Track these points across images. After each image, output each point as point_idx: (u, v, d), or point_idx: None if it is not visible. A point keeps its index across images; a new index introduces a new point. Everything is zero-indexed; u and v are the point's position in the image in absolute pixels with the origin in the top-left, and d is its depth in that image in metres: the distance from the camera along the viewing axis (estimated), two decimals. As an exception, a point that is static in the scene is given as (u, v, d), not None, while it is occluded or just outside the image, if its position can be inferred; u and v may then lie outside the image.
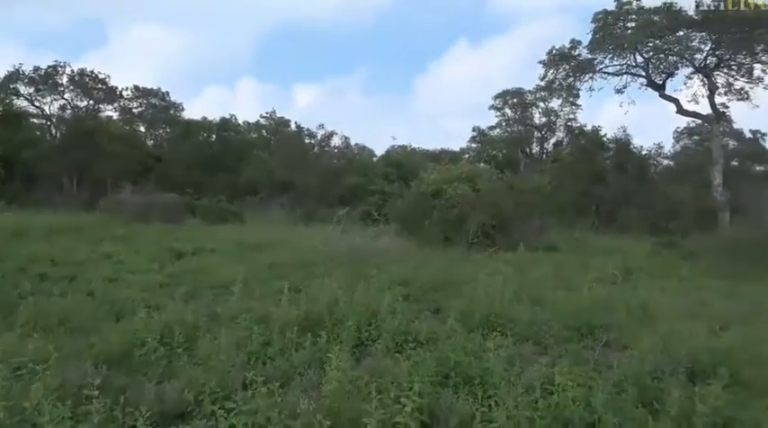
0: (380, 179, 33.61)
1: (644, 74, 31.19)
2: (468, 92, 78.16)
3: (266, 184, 39.18)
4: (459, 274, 11.63)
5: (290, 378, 5.69)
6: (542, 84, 35.05)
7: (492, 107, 42.09)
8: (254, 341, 6.40)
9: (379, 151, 49.75)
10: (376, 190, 31.55)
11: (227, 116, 47.09)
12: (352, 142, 48.70)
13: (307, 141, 45.48)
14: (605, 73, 32.04)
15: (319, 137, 45.45)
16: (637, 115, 58.93)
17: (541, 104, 39.89)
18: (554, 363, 5.96)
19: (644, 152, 34.68)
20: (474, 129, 44.39)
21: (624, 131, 33.71)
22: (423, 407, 4.74)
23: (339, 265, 11.78)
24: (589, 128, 37.50)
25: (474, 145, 44.59)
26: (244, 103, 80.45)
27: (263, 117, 48.98)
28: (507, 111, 42.01)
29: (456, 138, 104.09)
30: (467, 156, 41.76)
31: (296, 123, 47.28)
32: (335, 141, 45.91)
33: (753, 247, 16.49)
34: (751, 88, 29.64)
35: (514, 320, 7.98)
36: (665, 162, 37.69)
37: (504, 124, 42.53)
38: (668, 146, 38.50)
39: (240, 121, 48.34)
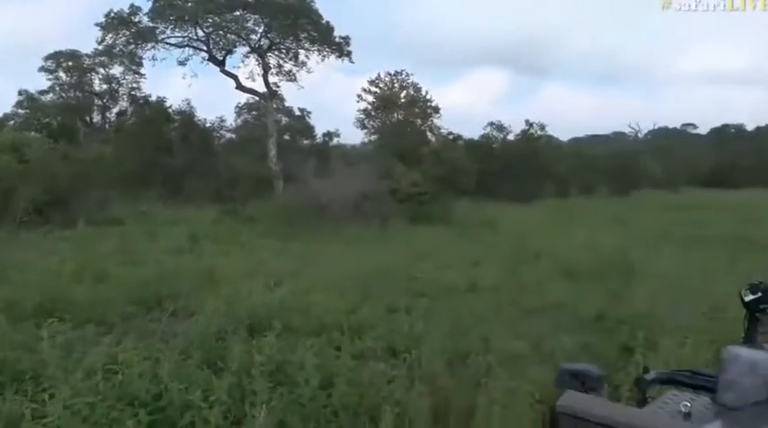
0: None
1: (205, 48, 32.06)
2: (13, 49, 67.27)
3: None
4: (4, 259, 10.11)
5: None
6: (101, 48, 32.77)
7: (43, 69, 37.37)
8: None
9: None
10: None
11: None
12: None
13: None
14: (168, 43, 31.80)
15: None
16: (201, 88, 60.37)
17: (102, 70, 37.29)
18: (119, 341, 5.73)
19: (208, 125, 35.93)
20: (21, 93, 38.67)
21: (189, 104, 34.21)
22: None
23: None
24: (154, 98, 36.78)
25: (21, 110, 38.93)
26: None
27: None
28: (62, 74, 37.89)
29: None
30: (12, 122, 36.21)
31: None
32: None
33: (301, 211, 18.91)
34: (298, 71, 33.46)
35: (74, 302, 7.36)
36: (228, 135, 39.71)
37: (58, 89, 38.27)
38: (231, 119, 40.55)
39: None
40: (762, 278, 2.17)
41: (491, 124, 38.43)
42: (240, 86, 32.91)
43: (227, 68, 32.53)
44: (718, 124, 69.97)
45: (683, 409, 1.60)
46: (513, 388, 4.76)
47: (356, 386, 5.06)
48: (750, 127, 69.12)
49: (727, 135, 66.79)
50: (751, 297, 2.05)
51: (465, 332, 7.04)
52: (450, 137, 37.56)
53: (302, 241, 14.77)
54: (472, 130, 48.28)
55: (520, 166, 33.32)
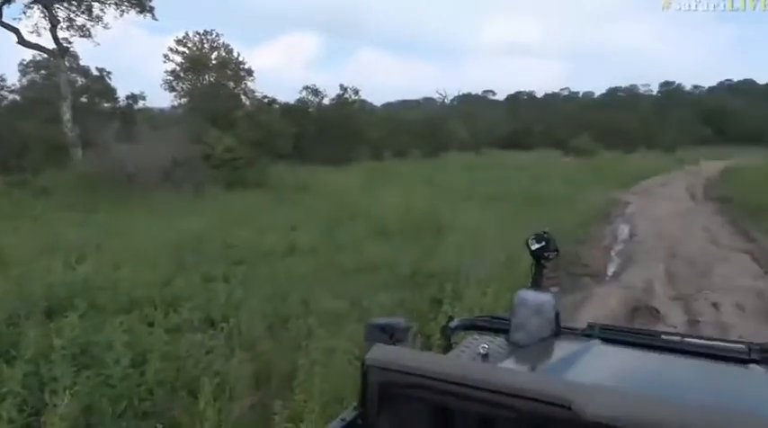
0: None
1: (-25, -5, 27.76)
2: None
3: None
4: None
5: None
6: None
7: None
8: None
9: None
10: None
11: None
12: None
13: None
14: None
15: None
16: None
17: None
18: None
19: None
20: None
21: (-42, 59, 29.66)
22: None
23: None
24: None
25: None
26: None
27: None
28: None
29: None
30: None
31: None
32: None
33: (104, 179, 17.47)
34: (93, 26, 30.26)
35: None
36: (11, 96, 35.10)
37: None
38: (14, 78, 35.75)
39: None
40: (546, 228, 2.41)
41: (306, 88, 38.33)
42: (23, 41, 29.01)
43: (4, 20, 28.51)
44: (513, 91, 77.17)
45: (481, 351, 1.74)
46: (333, 347, 4.90)
47: (172, 360, 4.86)
48: (540, 94, 77.23)
49: (520, 101, 73.77)
50: (536, 245, 2.28)
51: (285, 296, 7.07)
52: (266, 100, 36.83)
53: (107, 212, 13.68)
54: (288, 94, 47.85)
55: (335, 130, 33.71)
